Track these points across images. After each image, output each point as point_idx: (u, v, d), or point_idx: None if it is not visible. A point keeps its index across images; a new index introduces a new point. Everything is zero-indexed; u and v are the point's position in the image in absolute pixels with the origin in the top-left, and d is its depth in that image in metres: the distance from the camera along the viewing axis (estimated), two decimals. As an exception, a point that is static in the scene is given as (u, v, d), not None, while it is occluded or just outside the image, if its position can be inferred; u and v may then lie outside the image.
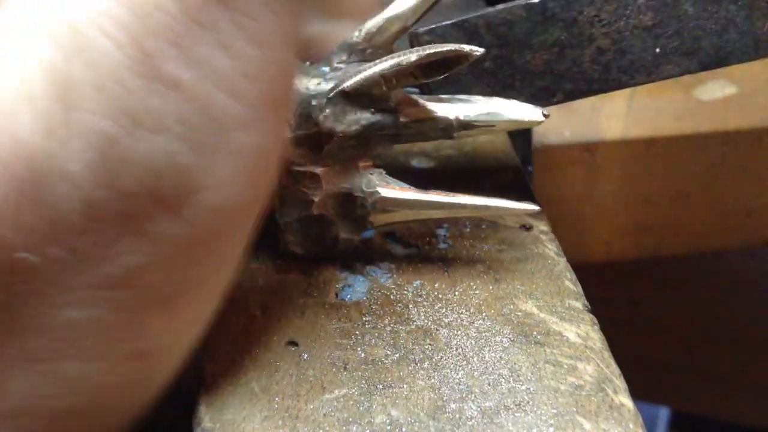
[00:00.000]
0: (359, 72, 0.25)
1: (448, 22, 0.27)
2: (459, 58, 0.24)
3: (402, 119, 0.25)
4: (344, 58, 0.27)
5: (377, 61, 0.25)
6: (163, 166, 0.19)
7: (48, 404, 0.20)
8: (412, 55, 0.24)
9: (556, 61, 0.27)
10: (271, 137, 0.21)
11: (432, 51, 0.24)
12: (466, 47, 0.24)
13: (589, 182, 0.39)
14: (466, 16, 0.27)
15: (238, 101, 0.20)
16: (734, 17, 0.27)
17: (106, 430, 0.22)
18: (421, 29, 0.27)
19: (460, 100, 0.26)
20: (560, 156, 0.38)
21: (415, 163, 0.31)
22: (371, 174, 0.26)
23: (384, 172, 0.26)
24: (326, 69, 0.27)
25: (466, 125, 0.25)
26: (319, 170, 0.25)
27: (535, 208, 0.25)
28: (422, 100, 0.26)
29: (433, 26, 0.27)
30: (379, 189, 0.25)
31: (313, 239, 0.26)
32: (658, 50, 0.27)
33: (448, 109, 0.26)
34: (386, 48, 0.27)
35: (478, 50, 0.24)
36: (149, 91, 0.18)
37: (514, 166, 0.32)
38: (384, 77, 0.25)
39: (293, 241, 0.26)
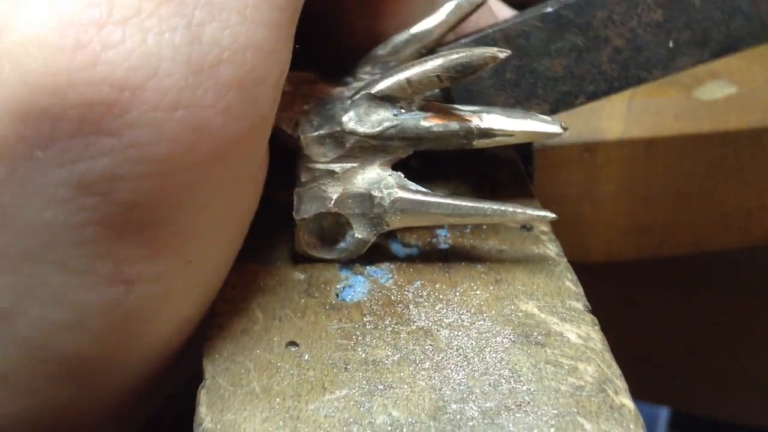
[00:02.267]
0: (386, 76, 0.26)
1: (467, 39, 0.28)
2: (486, 60, 0.25)
3: (424, 123, 0.26)
4: (368, 69, 0.28)
5: (403, 66, 0.26)
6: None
7: (36, 311, 0.20)
8: (437, 59, 0.25)
9: (575, 65, 0.28)
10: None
11: (459, 54, 0.25)
12: (493, 49, 0.25)
13: (589, 182, 0.39)
14: (482, 32, 0.28)
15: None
16: (740, 5, 0.28)
17: (104, 378, 0.22)
18: (439, 50, 0.28)
19: (481, 110, 0.26)
20: (560, 156, 0.38)
21: (414, 162, 0.31)
22: (390, 176, 0.26)
23: (403, 175, 0.26)
24: (350, 79, 0.27)
25: (485, 133, 0.26)
26: (338, 168, 0.25)
27: (551, 215, 0.26)
28: (446, 107, 0.26)
29: (454, 46, 0.28)
30: (396, 191, 0.25)
31: (329, 239, 0.26)
32: (671, 44, 0.28)
33: (469, 117, 0.26)
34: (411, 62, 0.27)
35: (505, 51, 0.25)
36: None
37: (514, 166, 0.32)
38: (409, 81, 0.25)
39: (309, 242, 0.26)
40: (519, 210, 0.26)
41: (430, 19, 0.28)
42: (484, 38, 0.28)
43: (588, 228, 0.40)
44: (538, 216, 0.26)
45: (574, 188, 0.39)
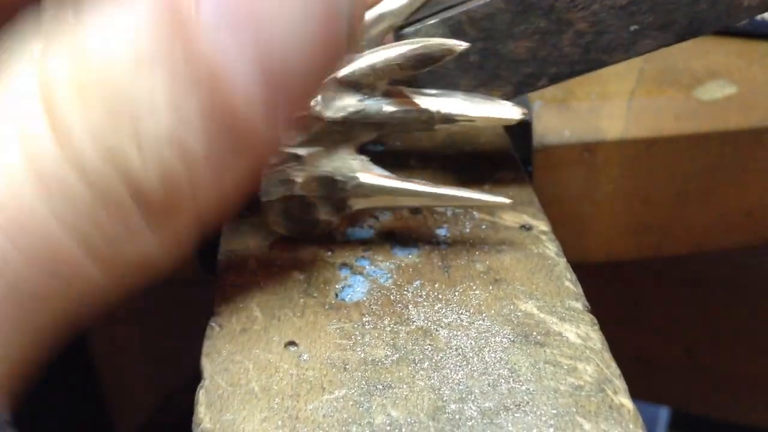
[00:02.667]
0: (351, 62, 0.26)
1: (433, 20, 0.29)
2: (443, 52, 0.26)
3: (386, 108, 0.26)
4: None
5: (368, 52, 0.26)
6: None
7: None
8: (400, 48, 0.26)
9: (538, 47, 0.28)
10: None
11: (419, 45, 0.26)
12: (451, 42, 0.26)
13: (589, 182, 0.39)
14: (449, 11, 0.29)
15: None
16: None
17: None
18: (407, 29, 0.28)
19: (443, 95, 0.27)
20: (560, 156, 0.38)
21: (414, 162, 0.31)
22: (353, 160, 0.26)
23: (367, 159, 0.27)
24: None
25: (446, 119, 0.27)
26: (304, 152, 0.26)
27: (506, 201, 0.27)
28: (407, 92, 0.27)
29: (420, 26, 0.29)
30: (359, 174, 0.26)
31: (294, 219, 0.27)
32: (634, 27, 0.28)
33: (430, 102, 0.27)
34: (378, 41, 0.28)
35: (462, 44, 0.26)
36: None
37: (514, 166, 0.32)
38: (372, 68, 0.26)
39: (275, 221, 0.27)
40: (475, 196, 0.26)
41: None
42: (450, 20, 0.28)
43: (588, 228, 0.40)
44: (493, 202, 0.26)
45: (574, 188, 0.39)
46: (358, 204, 0.27)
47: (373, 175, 0.26)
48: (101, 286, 0.21)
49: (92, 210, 0.20)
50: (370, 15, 0.29)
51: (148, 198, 0.21)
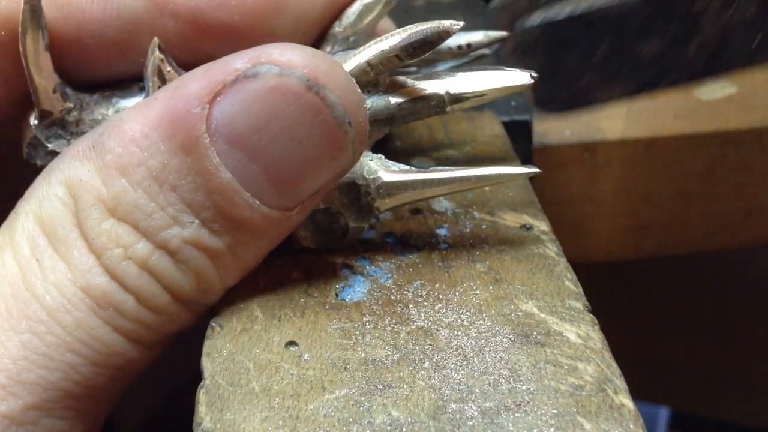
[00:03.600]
0: (345, 62, 0.25)
1: (561, 15, 0.28)
2: (440, 35, 0.25)
3: (393, 101, 0.26)
4: (329, 49, 0.27)
5: (361, 48, 0.26)
6: None
7: None
8: (394, 38, 0.25)
9: (665, 51, 0.28)
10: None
11: (413, 31, 0.25)
12: (446, 23, 0.25)
13: (589, 182, 0.39)
14: (576, 8, 0.28)
15: None
16: None
17: None
18: (532, 24, 0.27)
19: (447, 75, 0.26)
20: (560, 156, 0.38)
21: (415, 162, 0.31)
22: (371, 160, 0.26)
23: (383, 156, 0.26)
24: None
25: (457, 98, 0.26)
26: None
27: (536, 170, 0.26)
28: (411, 80, 0.26)
29: (542, 22, 0.28)
30: (380, 174, 0.26)
31: (323, 231, 0.26)
32: (758, 40, 0.28)
33: (437, 85, 0.26)
34: (369, 32, 0.27)
35: (458, 24, 0.25)
36: None
37: (514, 165, 0.32)
38: (369, 64, 0.25)
39: (305, 236, 0.26)
40: (503, 171, 0.26)
41: None
42: (581, 17, 0.27)
43: (588, 228, 0.40)
44: (523, 173, 0.26)
45: (574, 188, 0.39)
46: (384, 204, 0.26)
47: (394, 173, 0.26)
48: (139, 362, 0.24)
49: (139, 314, 0.23)
50: (354, 8, 0.27)
51: (183, 293, 0.24)
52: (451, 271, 0.26)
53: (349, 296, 0.25)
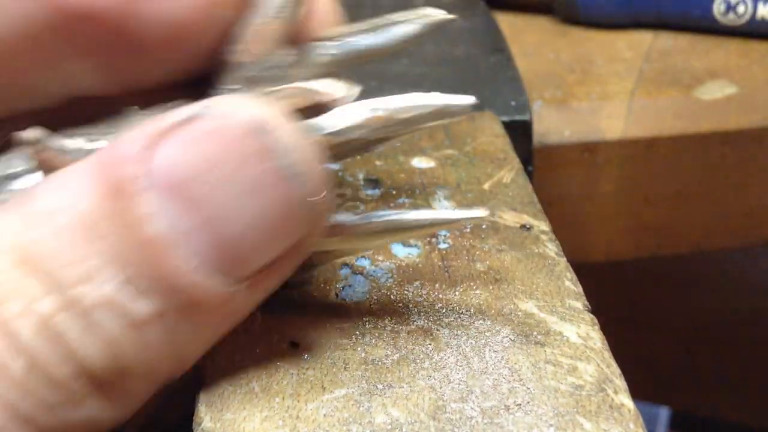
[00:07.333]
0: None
1: None
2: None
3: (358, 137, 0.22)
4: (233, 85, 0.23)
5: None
6: None
7: None
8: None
9: None
10: None
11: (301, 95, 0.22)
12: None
13: (589, 182, 0.39)
14: None
15: None
16: None
17: None
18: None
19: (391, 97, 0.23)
20: (560, 156, 0.38)
21: (415, 162, 0.31)
22: None
23: None
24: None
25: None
26: None
27: (484, 213, 0.23)
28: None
29: None
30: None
31: None
32: None
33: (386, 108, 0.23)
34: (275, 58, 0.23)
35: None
36: None
37: (514, 166, 0.32)
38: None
39: None
40: (451, 216, 0.23)
41: None
42: None
43: (588, 228, 0.40)
44: (469, 218, 0.23)
45: (574, 188, 0.39)
46: (321, 261, 0.25)
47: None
48: None
49: (28, 383, 0.19)
50: (250, 30, 0.22)
51: (90, 365, 0.19)
52: (451, 270, 0.26)
53: (349, 296, 0.25)
